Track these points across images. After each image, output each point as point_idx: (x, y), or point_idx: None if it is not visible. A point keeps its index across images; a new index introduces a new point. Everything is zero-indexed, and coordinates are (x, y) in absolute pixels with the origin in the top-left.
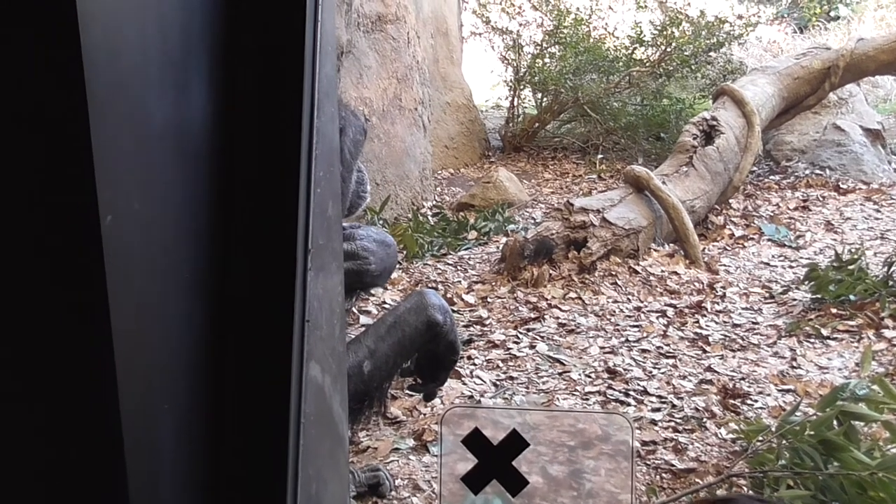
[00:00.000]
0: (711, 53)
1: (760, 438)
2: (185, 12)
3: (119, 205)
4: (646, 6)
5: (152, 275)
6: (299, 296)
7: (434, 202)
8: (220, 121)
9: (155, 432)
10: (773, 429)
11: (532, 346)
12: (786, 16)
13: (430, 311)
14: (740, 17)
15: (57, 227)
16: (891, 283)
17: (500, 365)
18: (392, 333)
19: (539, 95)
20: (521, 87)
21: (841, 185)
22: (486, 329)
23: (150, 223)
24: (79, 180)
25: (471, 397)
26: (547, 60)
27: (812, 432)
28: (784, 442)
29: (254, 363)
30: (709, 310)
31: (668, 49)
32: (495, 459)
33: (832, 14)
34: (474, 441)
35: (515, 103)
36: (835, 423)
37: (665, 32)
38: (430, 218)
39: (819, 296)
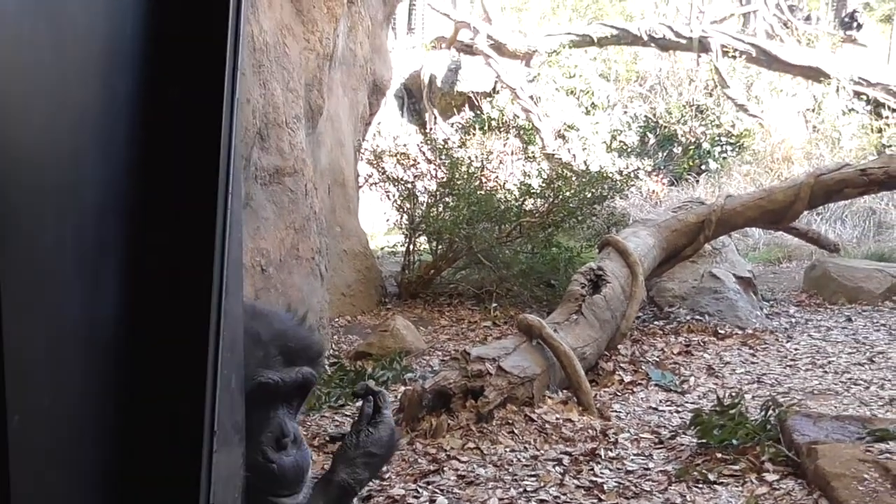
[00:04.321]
0: (596, 205)
1: None
2: (99, 218)
3: (28, 404)
4: (534, 157)
5: (61, 476)
6: (204, 481)
7: (331, 351)
8: (131, 315)
9: None
10: None
11: (432, 501)
12: (662, 168)
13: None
14: (620, 171)
15: None
16: (768, 427)
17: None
18: None
19: (434, 243)
20: (417, 234)
21: (719, 331)
22: (385, 483)
23: (60, 422)
24: None
25: None
26: (441, 209)
27: None
28: None
29: None
30: (603, 456)
31: (556, 200)
32: None
33: (702, 167)
34: None
35: (411, 250)
36: None
37: (552, 185)
38: (327, 368)
39: (704, 440)
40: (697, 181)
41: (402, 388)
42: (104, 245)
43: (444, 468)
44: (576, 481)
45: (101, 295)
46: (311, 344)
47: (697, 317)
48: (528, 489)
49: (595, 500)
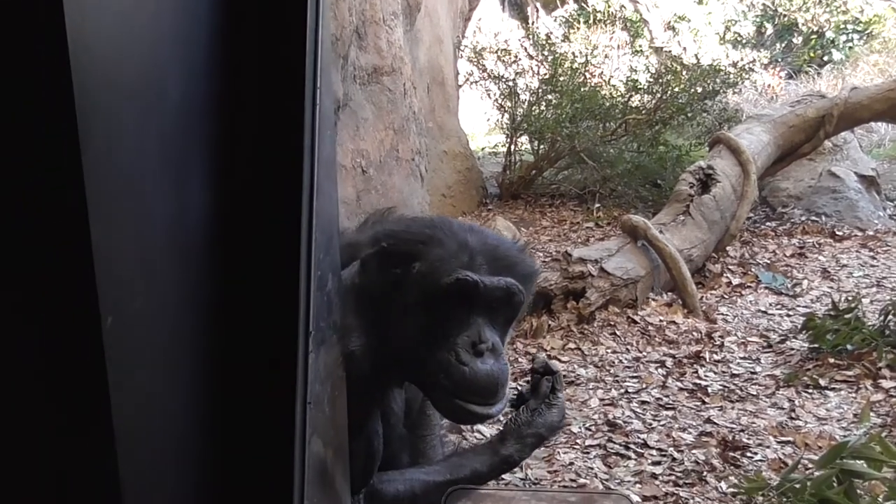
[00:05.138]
0: (707, 101)
1: (761, 495)
2: (183, 114)
3: (121, 305)
4: (641, 51)
5: (154, 373)
6: (301, 380)
7: None
8: (219, 211)
9: None
10: (774, 486)
11: None
12: (779, 61)
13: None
14: (734, 64)
15: (57, 330)
16: (887, 332)
17: (501, 419)
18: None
19: (536, 142)
20: (518, 134)
21: (837, 232)
22: None
23: (151, 322)
24: (80, 282)
25: None
26: (543, 108)
27: (813, 491)
28: (785, 500)
29: (257, 449)
30: (707, 360)
31: (664, 97)
32: None
33: (825, 59)
34: None
35: (512, 150)
36: (835, 481)
37: (661, 80)
38: None
39: (816, 345)
40: (819, 73)
41: None
42: (189, 145)
43: None
44: (679, 384)
45: (187, 195)
46: (522, 262)
47: (813, 217)
48: (630, 390)
49: (698, 403)
